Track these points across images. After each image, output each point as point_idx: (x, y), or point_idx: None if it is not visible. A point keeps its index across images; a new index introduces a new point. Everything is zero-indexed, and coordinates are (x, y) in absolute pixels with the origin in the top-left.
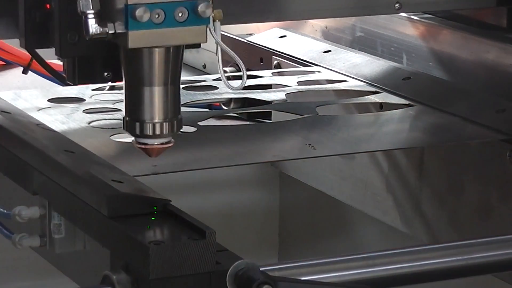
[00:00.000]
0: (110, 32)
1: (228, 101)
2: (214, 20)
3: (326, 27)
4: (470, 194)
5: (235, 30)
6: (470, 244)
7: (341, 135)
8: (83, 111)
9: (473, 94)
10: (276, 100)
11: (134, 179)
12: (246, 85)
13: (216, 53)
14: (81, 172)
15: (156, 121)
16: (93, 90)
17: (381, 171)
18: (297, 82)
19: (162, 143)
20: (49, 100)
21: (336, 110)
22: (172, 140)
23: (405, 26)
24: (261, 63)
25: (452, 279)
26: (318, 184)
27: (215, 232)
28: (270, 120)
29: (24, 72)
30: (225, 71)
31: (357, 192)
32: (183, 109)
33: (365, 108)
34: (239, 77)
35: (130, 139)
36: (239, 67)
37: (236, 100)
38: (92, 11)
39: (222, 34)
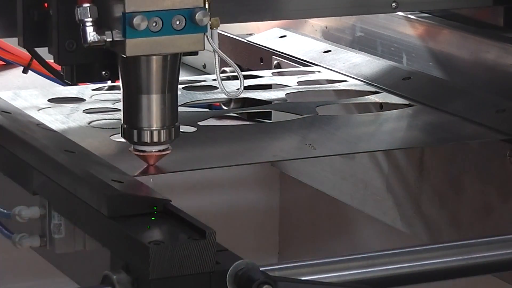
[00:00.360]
0: (108, 40)
1: (228, 101)
2: (211, 28)
3: (326, 27)
4: (470, 194)
5: (235, 30)
6: (470, 244)
7: (341, 135)
8: (83, 111)
9: (473, 94)
10: (276, 100)
11: (134, 179)
12: (246, 85)
13: (214, 61)
14: (81, 172)
15: (154, 128)
16: (93, 90)
17: (381, 171)
18: (297, 82)
19: (159, 151)
20: (49, 100)
21: (336, 110)
22: (170, 147)
23: (405, 26)
24: (261, 63)
25: (452, 279)
26: (318, 184)
27: (215, 232)
28: (270, 120)
29: (24, 71)
30: (224, 71)
31: (357, 192)
32: (183, 109)
33: (365, 108)
34: (238, 77)
35: None
36: (240, 66)
37: (236, 100)
38: (90, 19)
39: (222, 34)
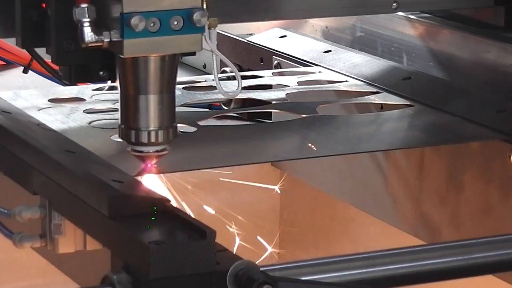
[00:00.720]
0: (105, 40)
1: (228, 101)
2: (209, 28)
3: (327, 27)
4: (471, 194)
5: (235, 30)
6: (471, 244)
7: (341, 135)
8: (83, 111)
9: (474, 94)
10: (277, 100)
11: (135, 179)
12: (246, 85)
13: (212, 61)
14: (82, 172)
15: (152, 129)
16: (93, 90)
17: (382, 171)
18: (298, 82)
19: (157, 151)
20: (49, 100)
21: (337, 110)
22: (168, 147)
23: (405, 26)
24: (261, 63)
25: (453, 279)
26: (319, 184)
27: (215, 232)
28: (270, 120)
29: (25, 71)
30: (225, 71)
31: (357, 192)
32: (183, 109)
33: (365, 108)
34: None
35: None
36: (240, 66)
37: (237, 100)
38: (88, 20)
39: (222, 34)
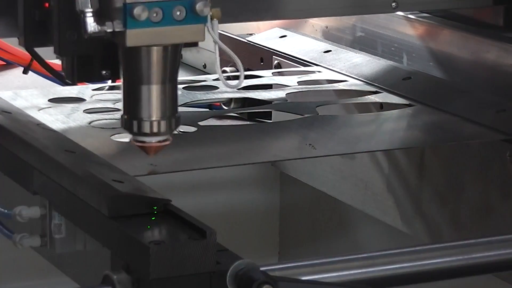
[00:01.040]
0: (108, 30)
1: (228, 101)
2: (212, 19)
3: (327, 27)
4: (471, 194)
5: (236, 30)
6: (471, 244)
7: (341, 135)
8: (84, 111)
9: (474, 94)
10: (277, 100)
11: (135, 179)
12: (246, 85)
13: (215, 52)
14: (82, 172)
15: (154, 119)
16: (93, 90)
17: (382, 171)
18: (298, 82)
19: (159, 141)
20: (50, 100)
21: (337, 110)
22: (170, 138)
23: (405, 26)
24: (262, 63)
25: (453, 279)
26: (319, 184)
27: (216, 232)
28: (271, 120)
29: (25, 72)
30: (225, 71)
31: (357, 192)
32: (183, 109)
33: (365, 108)
34: (238, 77)
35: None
36: None
37: (237, 100)
38: (91, 10)
39: (222, 34)
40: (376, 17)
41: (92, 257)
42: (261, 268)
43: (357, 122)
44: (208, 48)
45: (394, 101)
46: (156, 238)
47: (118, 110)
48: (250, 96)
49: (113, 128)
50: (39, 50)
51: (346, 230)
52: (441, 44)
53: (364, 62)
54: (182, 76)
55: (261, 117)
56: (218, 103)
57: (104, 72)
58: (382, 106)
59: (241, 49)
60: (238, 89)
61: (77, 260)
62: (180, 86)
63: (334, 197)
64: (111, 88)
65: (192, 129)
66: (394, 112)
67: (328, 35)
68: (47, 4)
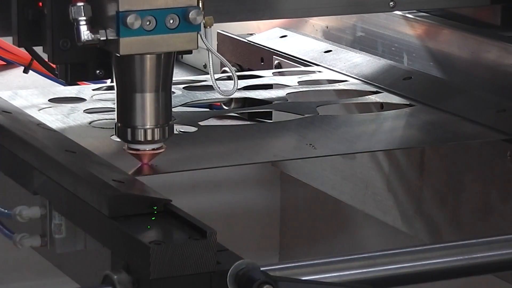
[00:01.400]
0: (101, 38)
1: (228, 101)
2: (205, 27)
3: (327, 27)
4: (471, 194)
5: (236, 30)
6: (471, 244)
7: (341, 135)
8: (84, 110)
9: (474, 94)
10: (277, 100)
11: (135, 179)
12: (247, 84)
13: (208, 60)
14: (82, 172)
15: (148, 127)
16: (93, 90)
17: (382, 171)
18: (298, 82)
19: (153, 149)
20: (50, 100)
21: (337, 110)
22: (164, 145)
23: (405, 26)
24: (262, 63)
25: (453, 279)
26: (319, 184)
27: (216, 232)
28: (271, 120)
29: (25, 71)
30: (225, 71)
31: (357, 192)
32: (183, 109)
33: (366, 108)
34: (239, 77)
35: None
36: (240, 66)
37: (237, 100)
38: (84, 18)
39: (223, 34)
40: (376, 17)
41: (93, 257)
42: (262, 268)
43: (357, 122)
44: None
45: (394, 101)
46: (156, 238)
47: None
48: (250, 96)
49: (113, 128)
50: (39, 49)
51: (346, 230)
52: (441, 44)
53: (364, 62)
54: (182, 76)
55: (262, 117)
56: (219, 103)
57: (98, 71)
58: (382, 106)
59: (242, 49)
60: (239, 89)
61: (77, 260)
62: (180, 86)
63: (335, 197)
64: (111, 87)
65: (192, 129)
66: (395, 112)
67: (329, 35)
68: (40, 4)
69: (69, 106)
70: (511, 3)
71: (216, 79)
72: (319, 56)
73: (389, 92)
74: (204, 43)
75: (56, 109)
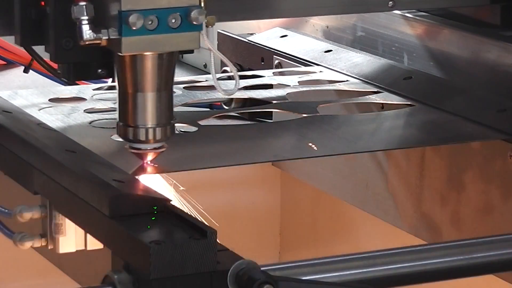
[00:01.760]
0: (104, 38)
1: (229, 101)
2: (207, 26)
3: (327, 27)
4: (472, 193)
5: (236, 30)
6: (472, 244)
7: (341, 134)
8: (84, 110)
9: (474, 93)
10: (277, 100)
11: (135, 179)
12: (247, 84)
13: (210, 59)
14: (82, 171)
15: (149, 126)
16: (94, 89)
17: (382, 171)
18: (298, 82)
19: (155, 148)
20: (50, 100)
21: (337, 110)
22: (165, 145)
23: (406, 26)
24: (262, 63)
25: (453, 279)
26: (319, 184)
27: (216, 231)
28: (271, 119)
29: (25, 71)
30: (226, 71)
31: (358, 191)
32: (184, 108)
33: (366, 107)
34: (239, 77)
35: None
36: (240, 66)
37: (237, 99)
38: (86, 17)
39: (223, 34)
40: (376, 17)
41: (93, 257)
42: (262, 268)
43: (358, 121)
44: (207, 47)
45: (395, 101)
46: (156, 238)
47: None
48: (250, 96)
49: (113, 127)
50: (38, 49)
51: (346, 230)
52: (442, 44)
53: (364, 62)
54: (183, 76)
55: (262, 117)
56: (219, 103)
57: (100, 70)
58: (383, 106)
59: (242, 49)
60: (239, 88)
61: (77, 260)
62: (180, 86)
63: (335, 196)
64: (112, 87)
65: (192, 128)
66: (395, 111)
67: (329, 35)
68: (43, 3)
69: (69, 105)
70: (511, 2)
71: (217, 79)
72: (319, 56)
73: (390, 92)
74: (206, 42)
75: (56, 108)
